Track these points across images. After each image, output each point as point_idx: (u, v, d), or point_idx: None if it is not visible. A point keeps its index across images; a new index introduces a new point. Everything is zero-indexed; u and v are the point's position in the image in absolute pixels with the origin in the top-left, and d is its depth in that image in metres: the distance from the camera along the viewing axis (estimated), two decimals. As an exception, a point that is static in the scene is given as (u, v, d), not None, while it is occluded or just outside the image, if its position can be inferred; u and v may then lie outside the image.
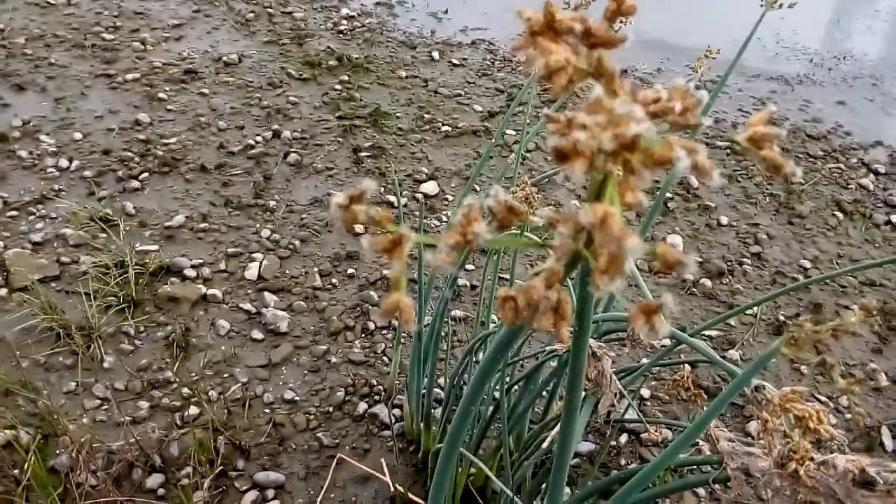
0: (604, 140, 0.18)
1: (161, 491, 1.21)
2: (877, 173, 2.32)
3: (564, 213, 0.22)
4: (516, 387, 1.12)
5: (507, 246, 1.09)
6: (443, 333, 1.28)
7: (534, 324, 0.24)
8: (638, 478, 0.51)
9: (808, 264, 1.91)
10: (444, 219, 1.90)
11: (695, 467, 0.98)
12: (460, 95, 2.49)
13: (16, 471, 1.19)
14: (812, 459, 0.55)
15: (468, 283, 1.72)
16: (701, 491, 1.33)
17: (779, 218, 2.08)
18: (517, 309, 0.24)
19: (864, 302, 0.39)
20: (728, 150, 2.35)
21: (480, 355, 1.15)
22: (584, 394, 0.81)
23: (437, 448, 1.18)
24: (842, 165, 2.34)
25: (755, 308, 1.76)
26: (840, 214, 2.11)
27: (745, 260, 1.91)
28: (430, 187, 1.99)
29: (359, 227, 0.26)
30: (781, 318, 1.73)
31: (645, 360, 1.48)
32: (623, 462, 1.37)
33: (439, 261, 0.23)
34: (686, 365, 0.84)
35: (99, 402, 1.34)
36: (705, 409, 0.66)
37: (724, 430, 0.65)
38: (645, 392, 1.50)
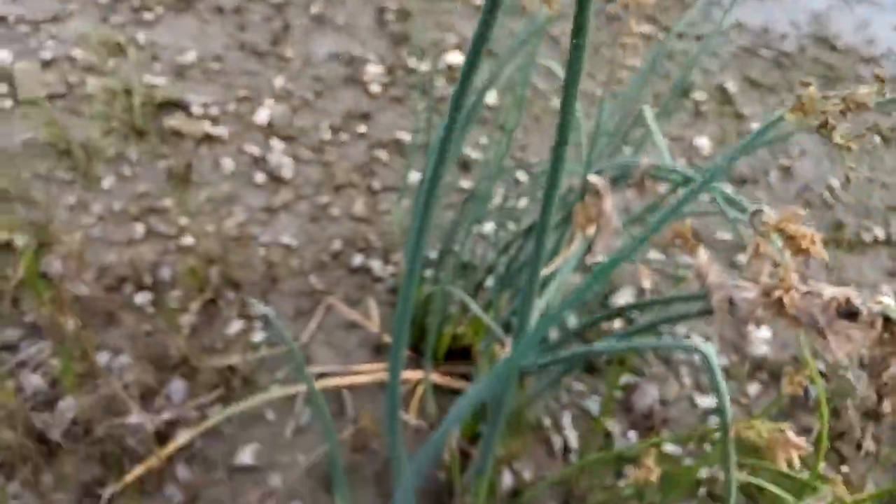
0: None
1: (150, 309, 1.21)
2: (925, 103, 2.20)
3: None
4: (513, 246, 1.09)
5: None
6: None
7: None
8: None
9: (836, 183, 1.83)
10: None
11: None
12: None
13: (9, 269, 1.20)
14: (798, 290, 0.52)
15: (480, 159, 1.66)
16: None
17: (814, 135, 1.99)
18: None
19: (878, 72, 0.35)
20: (774, 61, 2.22)
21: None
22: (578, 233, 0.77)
23: (425, 295, 1.17)
24: (888, 91, 2.21)
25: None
26: (878, 139, 2.01)
27: (771, 171, 1.83)
28: (455, 57, 1.90)
29: None
30: (798, 231, 1.67)
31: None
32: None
33: None
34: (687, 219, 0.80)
35: (94, 219, 1.33)
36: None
37: (713, 265, 0.61)
38: (646, 284, 1.47)
